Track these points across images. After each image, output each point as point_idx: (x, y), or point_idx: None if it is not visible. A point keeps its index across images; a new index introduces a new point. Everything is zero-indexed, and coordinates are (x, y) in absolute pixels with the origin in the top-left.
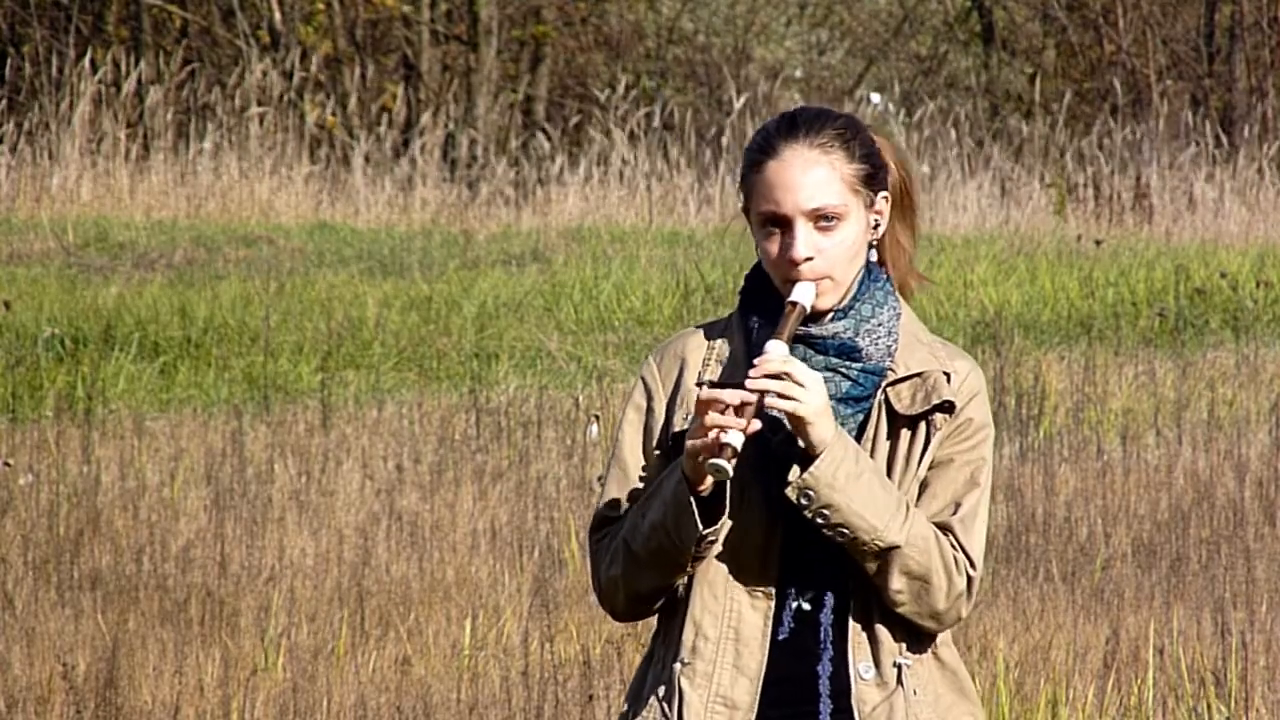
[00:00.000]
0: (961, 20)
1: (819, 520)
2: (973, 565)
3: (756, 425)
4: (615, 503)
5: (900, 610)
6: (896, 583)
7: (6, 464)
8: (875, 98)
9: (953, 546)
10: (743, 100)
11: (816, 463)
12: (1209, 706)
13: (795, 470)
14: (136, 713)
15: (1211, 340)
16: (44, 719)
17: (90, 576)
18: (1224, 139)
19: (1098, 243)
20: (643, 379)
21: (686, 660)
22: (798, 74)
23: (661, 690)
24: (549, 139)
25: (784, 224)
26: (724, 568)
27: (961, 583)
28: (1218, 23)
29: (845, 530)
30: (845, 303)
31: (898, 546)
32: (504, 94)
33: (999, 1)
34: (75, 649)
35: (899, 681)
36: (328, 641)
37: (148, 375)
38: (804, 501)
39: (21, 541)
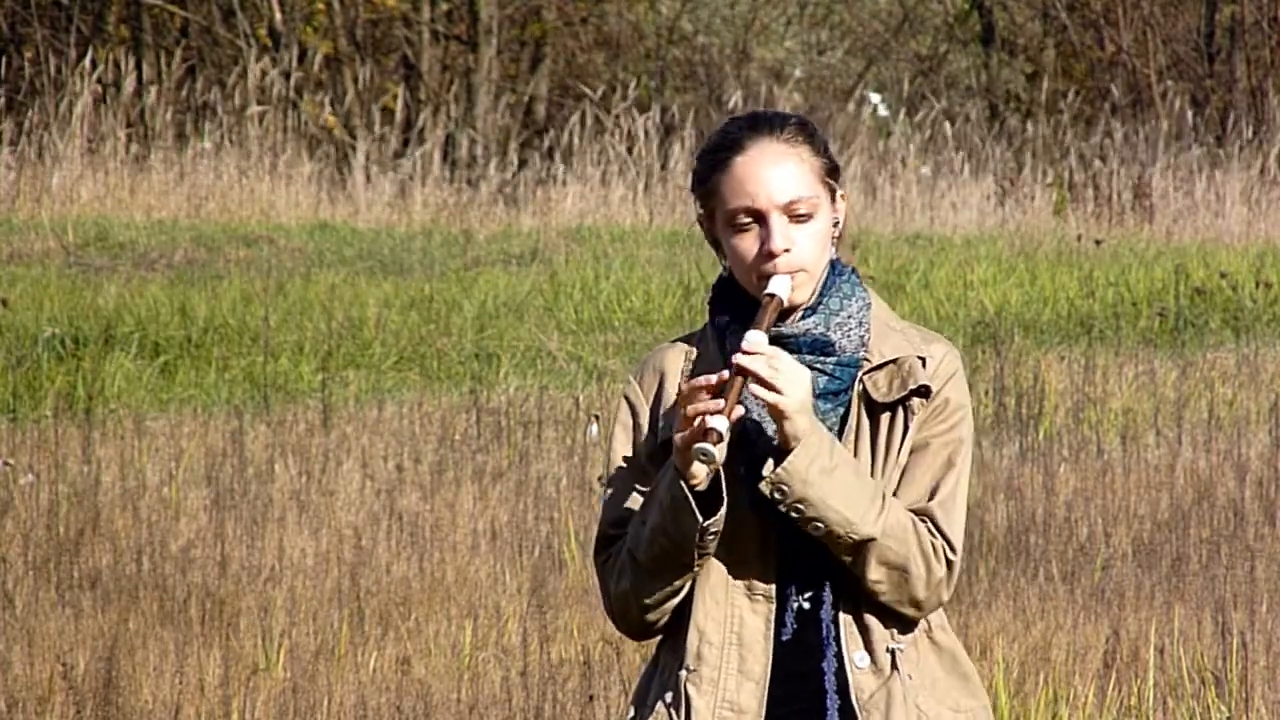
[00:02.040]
0: (961, 20)
1: (793, 515)
2: (952, 549)
3: (740, 411)
4: (615, 521)
5: (881, 599)
6: (874, 573)
7: (6, 464)
8: (875, 97)
9: (931, 533)
10: (742, 100)
11: (790, 457)
12: (1209, 706)
13: (769, 465)
14: (136, 713)
15: (1211, 340)
16: (44, 719)
17: (90, 576)
18: (1224, 139)
19: (1098, 243)
20: (626, 398)
21: (692, 667)
22: (798, 74)
23: (668, 697)
24: (551, 138)
25: (758, 218)
26: (723, 573)
27: (941, 570)
28: (1218, 23)
29: (819, 524)
30: (813, 299)
31: (873, 539)
32: (504, 94)
33: (999, 1)
34: (75, 649)
35: (894, 667)
36: (328, 641)
37: (148, 375)
38: (777, 496)
39: (21, 541)
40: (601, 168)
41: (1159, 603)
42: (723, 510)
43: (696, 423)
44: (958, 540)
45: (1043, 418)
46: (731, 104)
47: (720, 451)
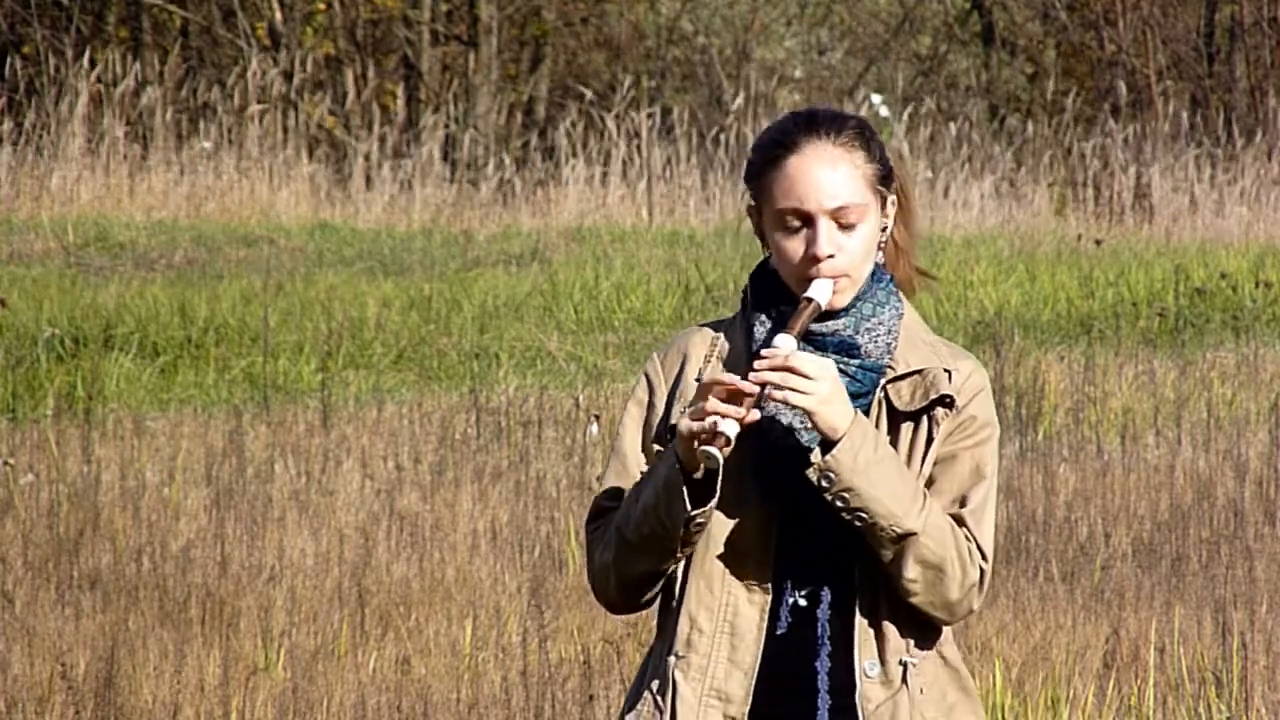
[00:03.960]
0: (961, 20)
1: (838, 503)
2: (984, 558)
3: (755, 416)
4: (613, 493)
5: (913, 600)
6: (911, 571)
7: (6, 464)
8: (875, 98)
9: (967, 537)
10: (742, 100)
11: (838, 446)
12: (1209, 706)
13: (817, 453)
14: (136, 713)
15: (1211, 340)
16: (44, 719)
17: (90, 576)
18: (1224, 139)
19: (1098, 243)
20: (646, 374)
21: (681, 653)
22: (798, 74)
23: (655, 684)
24: (552, 138)
25: (806, 220)
26: (720, 562)
27: (974, 574)
28: (1218, 23)
29: (864, 514)
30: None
31: (914, 534)
32: (504, 94)
33: (999, 1)
34: (75, 649)
35: (904, 680)
36: (328, 641)
37: (148, 375)
38: (824, 484)
39: (21, 541)
40: (601, 168)
41: (1159, 603)
42: (712, 503)
43: (709, 421)
44: (989, 548)
45: (1043, 418)
46: (732, 104)
47: (724, 455)
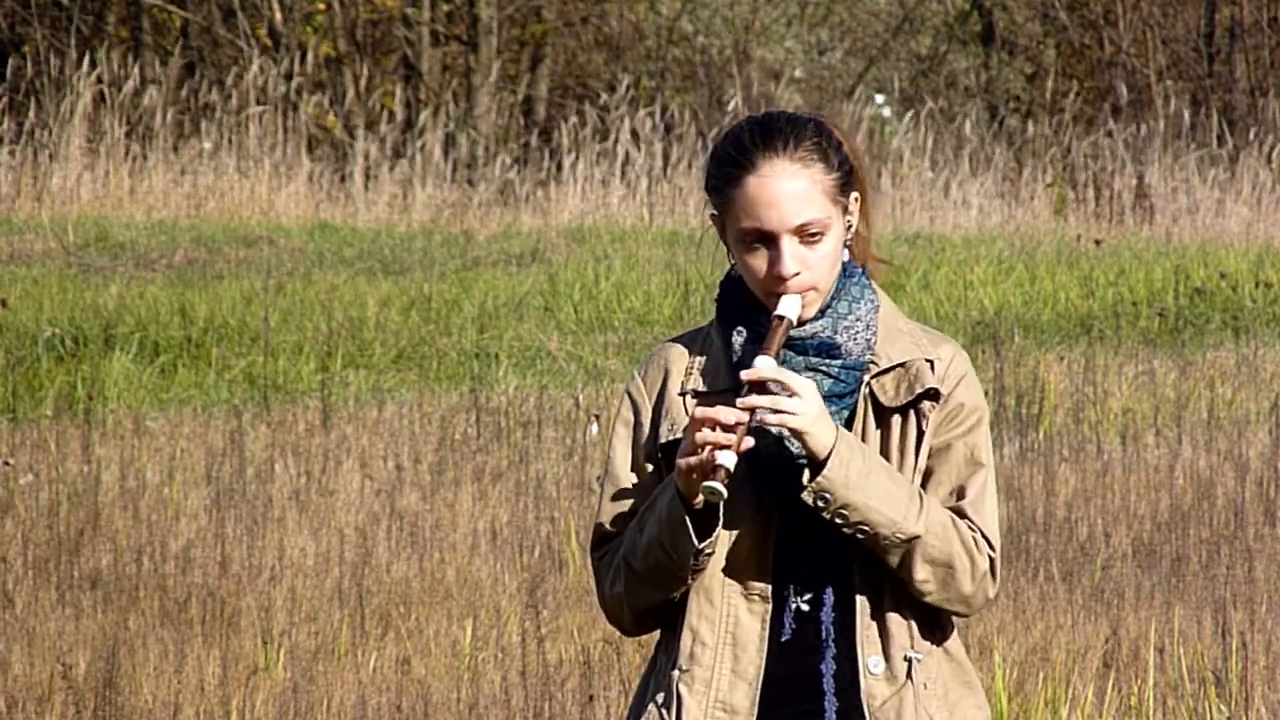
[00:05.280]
0: (961, 20)
1: (838, 520)
2: (991, 546)
3: (749, 443)
4: (612, 517)
5: (928, 599)
6: (921, 572)
7: (6, 464)
8: (879, 98)
9: (970, 527)
10: (742, 100)
11: (827, 466)
12: (1209, 706)
13: (806, 475)
14: (136, 713)
15: (1211, 340)
16: (44, 719)
17: (90, 576)
18: (1224, 139)
19: (1098, 243)
20: (629, 394)
21: (684, 667)
22: (798, 74)
23: (660, 697)
24: (553, 138)
25: (768, 239)
26: (719, 574)
27: (984, 563)
28: (1218, 23)
29: (865, 528)
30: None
31: (918, 536)
32: (504, 94)
33: (999, 1)
34: (75, 649)
35: (909, 676)
36: (328, 641)
37: (148, 375)
38: (820, 505)
39: (21, 541)
40: (602, 168)
41: (1159, 603)
42: (718, 532)
43: (705, 454)
44: (994, 535)
45: (1043, 418)
46: (732, 104)
47: (726, 488)
